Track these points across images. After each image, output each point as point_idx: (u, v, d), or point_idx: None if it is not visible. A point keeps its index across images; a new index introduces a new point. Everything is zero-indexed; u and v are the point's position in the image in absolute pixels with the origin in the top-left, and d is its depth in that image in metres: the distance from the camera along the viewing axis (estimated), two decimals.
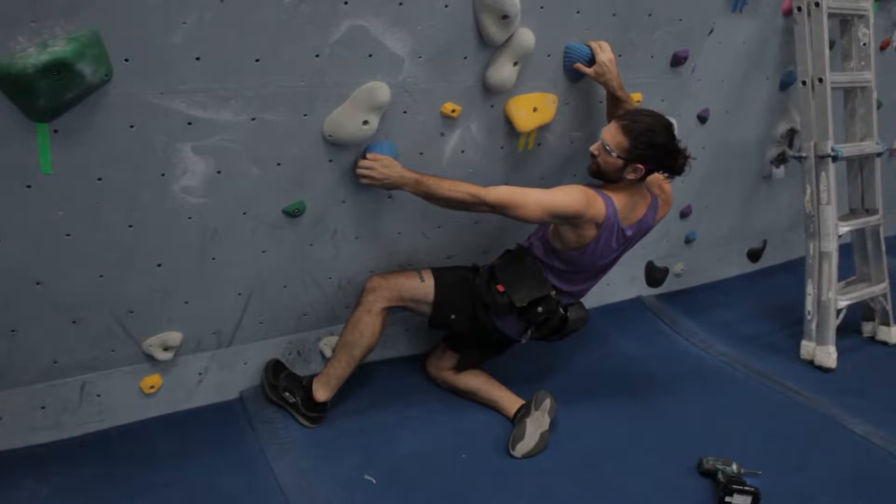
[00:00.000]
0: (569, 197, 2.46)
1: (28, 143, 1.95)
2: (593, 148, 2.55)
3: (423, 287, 2.69)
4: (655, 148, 2.46)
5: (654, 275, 3.99)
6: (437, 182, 2.44)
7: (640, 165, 2.48)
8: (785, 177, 4.11)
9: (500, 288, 2.64)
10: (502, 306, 2.64)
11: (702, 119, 3.52)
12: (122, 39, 1.90)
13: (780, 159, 4.03)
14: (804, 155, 3.48)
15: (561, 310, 2.72)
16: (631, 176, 2.51)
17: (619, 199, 2.55)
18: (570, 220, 2.49)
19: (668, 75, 3.03)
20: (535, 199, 2.44)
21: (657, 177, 2.65)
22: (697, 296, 4.12)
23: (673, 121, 2.99)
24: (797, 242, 4.53)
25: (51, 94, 1.86)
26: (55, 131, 1.96)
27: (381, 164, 2.41)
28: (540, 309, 2.64)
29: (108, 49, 1.89)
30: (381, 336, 2.67)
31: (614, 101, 2.75)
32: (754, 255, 4.53)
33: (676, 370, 3.35)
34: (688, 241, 4.05)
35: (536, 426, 2.62)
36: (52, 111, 1.92)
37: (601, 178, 2.59)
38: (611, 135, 2.48)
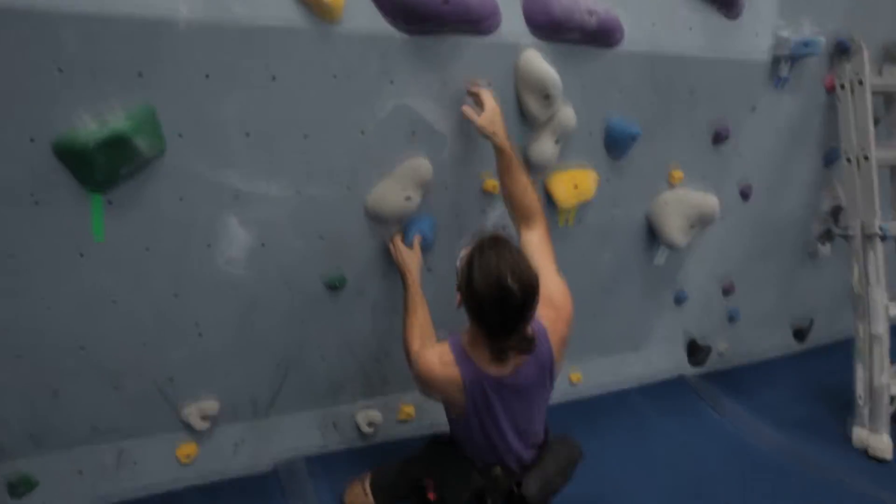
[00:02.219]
0: (424, 362, 2.12)
1: (83, 212, 2.02)
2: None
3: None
4: (470, 288, 1.91)
5: (697, 353, 3.90)
6: (414, 309, 2.32)
7: (459, 294, 2.00)
8: (831, 254, 4.03)
9: (431, 496, 2.28)
10: None
11: (744, 195, 3.50)
12: (177, 115, 1.98)
13: (826, 236, 3.96)
14: (851, 233, 3.42)
15: (515, 486, 2.22)
16: (458, 303, 2.02)
17: (474, 344, 2.04)
18: (432, 388, 2.15)
19: (709, 151, 3.03)
20: (416, 365, 2.15)
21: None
22: (742, 375, 4.00)
23: (714, 201, 2.99)
24: (846, 321, 4.38)
25: (107, 167, 1.94)
26: (109, 202, 2.04)
27: (407, 252, 2.44)
28: (489, 502, 2.21)
29: (163, 124, 1.97)
30: None
31: (500, 154, 2.29)
32: (801, 334, 4.41)
33: (719, 454, 3.22)
34: (731, 318, 3.96)
35: None
36: (108, 183, 1.99)
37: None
38: (469, 247, 2.01)
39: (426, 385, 2.15)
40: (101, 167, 1.93)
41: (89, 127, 1.88)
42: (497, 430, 2.14)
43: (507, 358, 2.02)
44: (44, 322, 2.15)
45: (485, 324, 1.95)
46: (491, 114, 2.25)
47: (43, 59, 1.77)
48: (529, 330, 1.98)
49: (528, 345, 1.99)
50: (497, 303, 1.87)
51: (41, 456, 2.39)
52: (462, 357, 2.06)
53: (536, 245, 2.27)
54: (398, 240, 2.48)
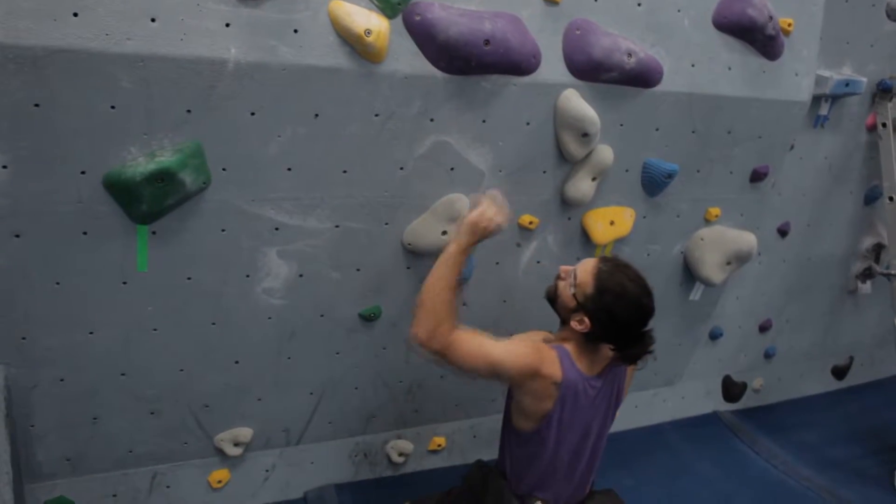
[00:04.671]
0: (514, 354, 2.03)
1: (128, 242, 2.08)
2: (564, 269, 2.16)
3: None
4: (611, 317, 2.02)
5: (732, 389, 3.85)
6: (449, 277, 2.07)
7: (587, 320, 2.05)
8: (872, 292, 3.96)
9: None
10: None
11: (782, 233, 3.46)
12: (222, 150, 2.03)
13: (867, 274, 3.90)
14: (893, 272, 3.36)
15: None
16: (575, 325, 2.07)
17: (574, 348, 2.10)
18: (520, 380, 2.05)
19: (748, 191, 3.00)
20: (480, 349, 2.02)
21: None
22: (778, 413, 3.93)
23: (751, 238, 2.97)
24: (887, 360, 4.33)
25: (153, 200, 1.99)
26: (153, 233, 2.09)
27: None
28: None
29: (208, 159, 2.02)
30: None
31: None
32: (840, 373, 4.32)
33: (755, 495, 3.17)
34: (767, 355, 3.90)
35: None
36: (153, 214, 2.05)
37: (552, 304, 2.19)
38: (584, 271, 2.08)
39: (532, 361, 2.02)
40: (148, 199, 1.98)
41: (138, 161, 1.94)
42: (570, 445, 2.14)
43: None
44: (86, 348, 2.21)
45: (625, 341, 2.06)
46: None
47: (97, 97, 1.83)
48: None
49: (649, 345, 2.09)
50: (641, 320, 2.06)
51: (77, 477, 2.44)
52: (562, 354, 2.08)
53: None
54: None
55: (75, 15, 1.74)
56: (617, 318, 2.02)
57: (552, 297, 2.18)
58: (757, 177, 2.98)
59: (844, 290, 3.96)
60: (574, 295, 2.07)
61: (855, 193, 3.62)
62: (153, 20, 1.81)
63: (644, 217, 2.81)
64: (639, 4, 2.40)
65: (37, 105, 1.80)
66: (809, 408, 4.05)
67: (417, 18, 2.06)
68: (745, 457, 3.50)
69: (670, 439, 3.51)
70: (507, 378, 2.07)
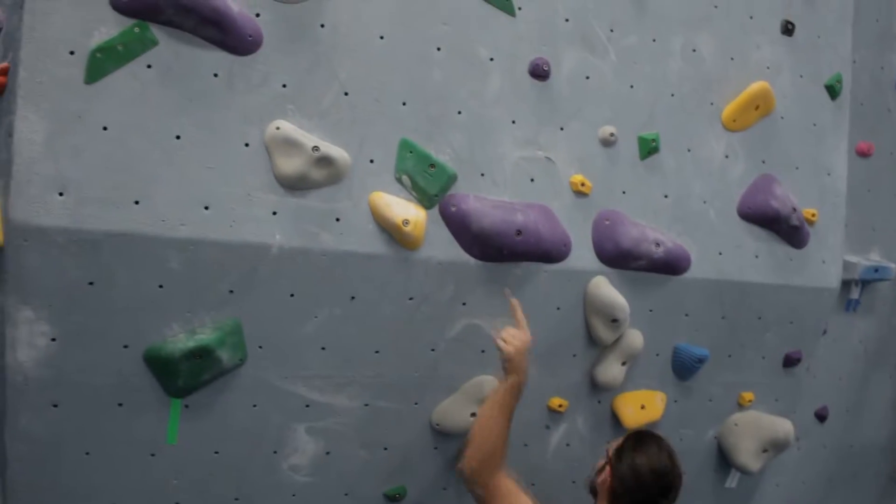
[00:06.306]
0: None
1: (161, 415, 2.10)
2: (599, 463, 2.24)
3: None
4: (623, 484, 2.08)
5: None
6: (498, 414, 2.16)
7: (608, 478, 2.13)
8: None
9: None
10: None
11: (820, 417, 3.37)
12: (260, 329, 2.10)
13: None
14: None
15: None
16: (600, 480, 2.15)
17: None
18: None
19: (781, 375, 2.97)
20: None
21: None
22: None
23: (788, 425, 2.91)
24: None
25: (190, 375, 2.05)
26: (186, 406, 2.12)
27: (520, 345, 2.18)
28: None
29: (245, 336, 2.09)
30: None
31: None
32: None
33: None
34: None
35: None
36: (188, 389, 2.09)
37: (593, 495, 2.24)
38: (610, 450, 2.22)
39: None
40: (184, 374, 2.04)
41: (178, 337, 2.02)
42: None
43: None
44: None
45: None
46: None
47: (147, 277, 1.94)
48: None
49: None
50: (664, 492, 2.11)
51: None
52: None
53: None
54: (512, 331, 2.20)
55: (136, 203, 1.89)
56: (627, 483, 2.07)
57: (591, 489, 2.23)
58: (790, 362, 2.96)
59: (893, 480, 3.78)
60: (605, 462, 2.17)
61: (894, 378, 3.54)
62: (206, 208, 1.95)
63: (675, 401, 2.78)
64: (665, 196, 2.52)
65: (91, 283, 1.90)
66: None
67: (453, 209, 2.18)
68: None
69: None
70: None
